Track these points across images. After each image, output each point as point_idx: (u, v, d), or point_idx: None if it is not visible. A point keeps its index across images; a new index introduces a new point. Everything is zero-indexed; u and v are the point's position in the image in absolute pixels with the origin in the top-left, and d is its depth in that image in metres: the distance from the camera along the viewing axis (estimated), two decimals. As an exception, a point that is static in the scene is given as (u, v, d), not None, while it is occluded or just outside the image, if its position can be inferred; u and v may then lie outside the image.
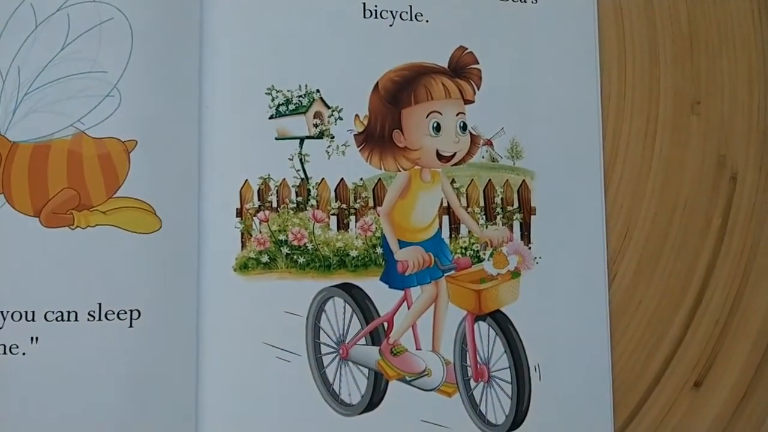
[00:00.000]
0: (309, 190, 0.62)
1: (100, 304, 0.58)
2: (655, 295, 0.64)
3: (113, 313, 0.58)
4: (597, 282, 0.63)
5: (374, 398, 0.61)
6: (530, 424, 0.61)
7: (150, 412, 0.58)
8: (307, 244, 0.61)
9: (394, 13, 0.62)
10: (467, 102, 0.63)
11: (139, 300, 0.59)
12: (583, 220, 0.63)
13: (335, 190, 0.62)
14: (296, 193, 0.62)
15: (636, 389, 0.63)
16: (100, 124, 0.60)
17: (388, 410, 0.60)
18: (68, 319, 0.58)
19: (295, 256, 0.61)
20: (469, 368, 0.62)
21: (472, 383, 0.62)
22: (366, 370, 0.62)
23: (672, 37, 0.66)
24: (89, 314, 0.58)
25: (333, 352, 0.62)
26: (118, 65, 0.60)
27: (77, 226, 0.59)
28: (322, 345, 0.61)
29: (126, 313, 0.59)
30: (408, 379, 0.61)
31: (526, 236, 0.63)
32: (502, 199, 0.63)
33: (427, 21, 0.63)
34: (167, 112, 0.60)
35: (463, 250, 0.63)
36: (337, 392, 0.61)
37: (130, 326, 0.58)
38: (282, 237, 0.61)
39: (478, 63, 0.63)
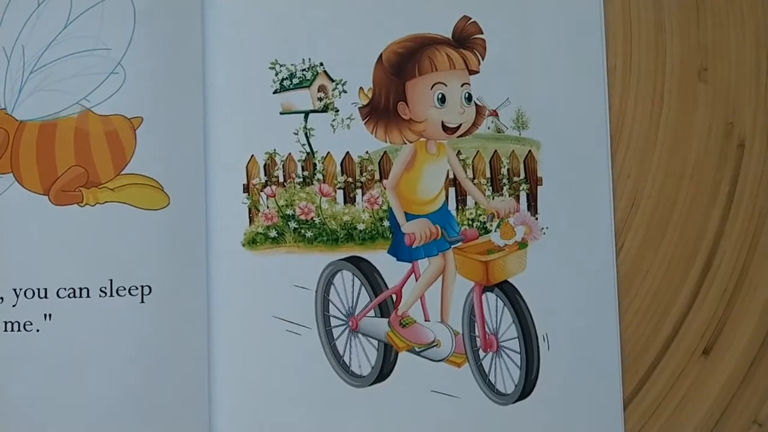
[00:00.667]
0: (315, 165, 0.62)
1: (111, 280, 0.59)
2: (662, 264, 0.64)
3: (124, 289, 0.59)
4: (604, 251, 0.62)
5: (384, 369, 0.61)
6: (539, 393, 0.61)
7: (162, 386, 0.58)
8: (315, 218, 0.62)
9: (397, -17, 0.62)
10: (472, 72, 0.62)
11: (149, 276, 0.59)
12: (589, 190, 0.62)
13: (341, 164, 0.62)
14: (302, 167, 0.62)
15: (644, 358, 0.63)
16: (105, 101, 0.60)
17: (398, 381, 0.61)
18: (80, 296, 0.59)
19: (302, 231, 0.61)
20: (477, 339, 0.62)
21: (481, 353, 0.62)
22: (375, 342, 0.62)
23: (678, 3, 0.65)
24: (101, 290, 0.59)
25: (342, 325, 0.62)
26: (121, 42, 0.60)
27: (86, 204, 0.60)
28: (331, 318, 0.62)
29: (137, 288, 0.59)
30: (417, 349, 0.61)
31: (532, 207, 0.62)
32: (508, 170, 0.63)
33: (430, -9, 0.62)
34: (172, 88, 0.60)
35: (470, 222, 0.62)
36: (348, 364, 0.61)
37: (142, 302, 0.59)
38: (289, 211, 0.61)
39: (482, 33, 0.62)
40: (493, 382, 0.61)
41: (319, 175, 0.62)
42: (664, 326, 0.63)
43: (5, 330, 0.58)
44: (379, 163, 0.62)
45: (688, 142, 0.64)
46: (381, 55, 0.62)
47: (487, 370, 0.61)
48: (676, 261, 0.64)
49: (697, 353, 0.63)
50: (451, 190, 0.62)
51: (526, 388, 0.61)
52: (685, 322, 0.64)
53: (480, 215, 0.62)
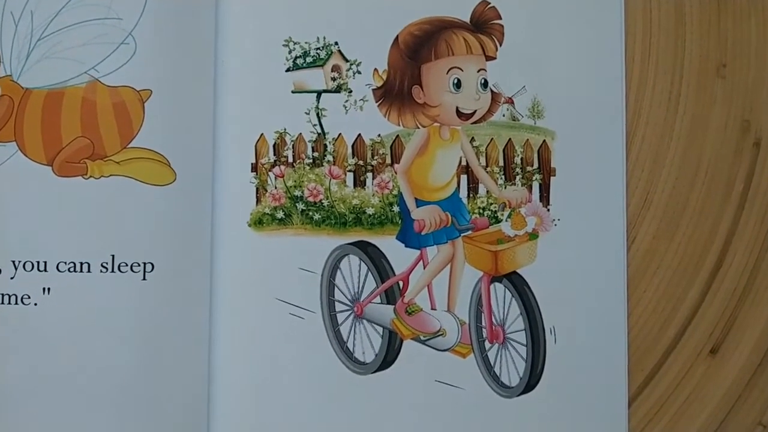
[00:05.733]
0: (325, 146, 0.61)
1: (113, 255, 0.59)
2: (673, 260, 0.63)
3: (126, 265, 0.58)
4: (615, 245, 0.62)
5: (388, 357, 0.61)
6: (544, 386, 0.61)
7: (162, 365, 0.58)
8: (323, 201, 0.61)
9: (416, -36, 0.61)
10: (489, 58, 0.62)
11: (152, 253, 0.59)
12: (603, 183, 0.62)
13: (352, 146, 0.62)
14: (312, 148, 0.61)
15: (652, 354, 0.63)
16: (114, 72, 0.60)
17: (401, 369, 0.61)
18: (81, 271, 0.58)
19: (310, 213, 0.61)
20: (484, 329, 0.61)
21: (487, 344, 0.61)
22: (380, 329, 0.62)
23: (700, -6, 0.65)
24: (102, 266, 0.58)
25: (347, 310, 0.62)
26: (133, 13, 0.60)
27: (90, 176, 0.59)
28: (336, 302, 0.61)
29: (139, 265, 0.59)
30: (422, 338, 0.61)
31: (545, 197, 0.62)
32: (521, 159, 0.62)
33: (449, -27, 0.61)
34: (183, 62, 0.60)
35: (481, 210, 0.62)
36: (351, 350, 0.61)
37: (144, 279, 0.59)
38: (297, 193, 0.61)
39: (500, 18, 0.62)
40: (498, 374, 0.61)
41: (329, 157, 0.61)
42: (673, 323, 0.63)
43: (2, 303, 0.58)
44: (391, 146, 0.62)
45: (704, 138, 0.64)
46: (397, 36, 0.61)
47: (492, 362, 0.61)
48: (687, 258, 0.64)
49: (704, 352, 0.63)
50: (463, 178, 0.62)
51: (531, 381, 0.61)
52: (694, 320, 0.63)
53: (491, 204, 0.62)
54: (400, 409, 0.60)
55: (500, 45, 0.62)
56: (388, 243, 0.61)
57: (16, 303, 0.58)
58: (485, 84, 0.61)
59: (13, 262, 0.58)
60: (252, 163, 0.61)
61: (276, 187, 0.61)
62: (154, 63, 0.59)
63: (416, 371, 0.61)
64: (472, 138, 0.62)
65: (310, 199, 0.61)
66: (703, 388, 0.63)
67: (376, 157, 0.62)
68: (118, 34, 0.59)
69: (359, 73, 0.61)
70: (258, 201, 0.61)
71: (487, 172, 0.62)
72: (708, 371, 0.63)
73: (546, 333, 0.61)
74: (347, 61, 0.62)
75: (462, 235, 0.62)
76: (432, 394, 0.60)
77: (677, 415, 0.62)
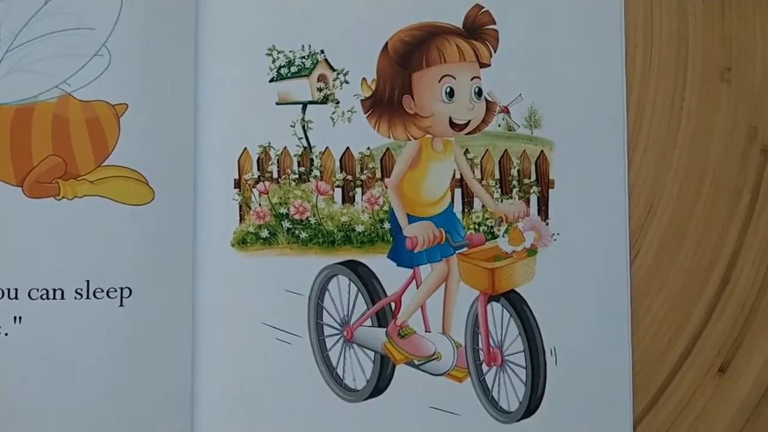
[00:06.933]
0: (312, 160, 0.61)
1: (88, 281, 0.57)
2: (679, 275, 0.63)
3: (102, 291, 0.57)
4: (618, 260, 0.61)
5: (380, 383, 0.60)
6: (545, 410, 0.60)
7: (142, 397, 0.57)
8: (310, 218, 0.60)
9: (405, -33, 0.61)
10: (483, 66, 0.61)
11: (129, 277, 0.57)
12: (604, 195, 0.61)
13: (340, 160, 0.61)
14: (298, 163, 0.61)
15: (657, 374, 0.62)
16: (87, 85, 0.58)
17: (394, 396, 0.60)
18: (54, 298, 0.57)
19: (296, 231, 0.60)
20: (481, 352, 0.61)
21: (484, 368, 0.61)
22: (372, 354, 0.61)
23: (703, -5, 0.64)
24: (76, 292, 0.57)
25: (337, 334, 0.61)
26: (106, 22, 0.58)
27: (63, 197, 0.58)
28: (325, 326, 0.60)
29: (116, 291, 0.57)
30: (416, 362, 0.60)
31: (543, 211, 0.61)
32: (518, 170, 0.62)
33: (440, -23, 0.61)
34: (161, 73, 0.59)
35: (477, 226, 0.61)
36: (341, 376, 0.60)
37: (121, 305, 0.57)
38: (283, 210, 0.60)
39: (495, 23, 0.61)
40: (496, 399, 0.60)
41: (316, 172, 0.61)
42: (679, 341, 0.63)
43: (-30, 332, 0.56)
44: (381, 160, 0.61)
45: (709, 145, 0.64)
46: (386, 43, 0.60)
47: (490, 386, 0.60)
48: (693, 272, 0.63)
49: (712, 371, 0.63)
50: (457, 192, 0.61)
51: (531, 406, 0.60)
52: (701, 338, 0.63)
53: (487, 219, 0.61)
54: (393, 438, 0.60)
55: (495, 51, 0.61)
56: (378, 262, 0.60)
57: (-14, 332, 0.57)
58: (479, 93, 0.61)
59: (-18, 289, 0.57)
60: (235, 179, 0.60)
61: (260, 205, 0.60)
62: (129, 75, 0.58)
63: (410, 397, 0.60)
64: (467, 149, 0.61)
65: (297, 216, 0.60)
66: (712, 408, 0.62)
67: (365, 172, 0.61)
68: (90, 45, 0.58)
69: (347, 82, 0.61)
70: (241, 219, 0.60)
71: (482, 185, 0.62)
72: (716, 391, 0.62)
73: (546, 354, 0.60)
74: (334, 70, 0.61)
75: (457, 252, 0.61)
76: (427, 422, 0.60)
77: (685, 437, 0.62)
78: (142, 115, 0.58)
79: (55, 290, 0.57)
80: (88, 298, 0.57)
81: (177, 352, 0.57)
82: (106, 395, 0.56)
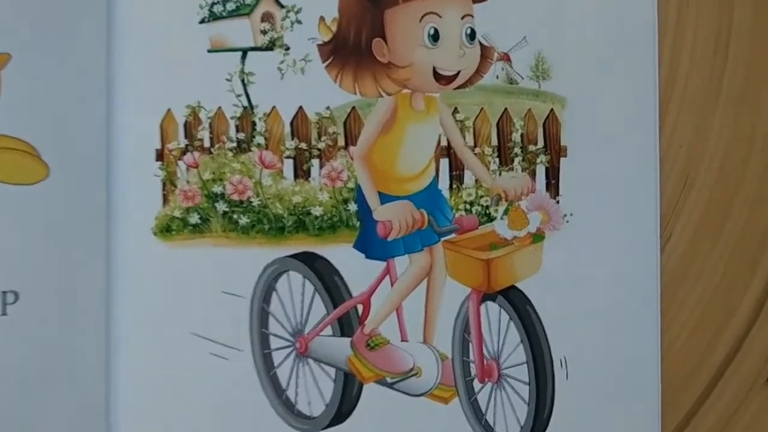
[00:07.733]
0: (254, 123, 0.57)
1: None
2: (719, 264, 0.59)
3: None
4: (645, 247, 0.58)
5: (343, 408, 0.57)
6: None
7: (43, 423, 0.53)
8: (252, 199, 0.57)
9: None
10: (477, 1, 0.57)
11: (15, 278, 0.53)
12: (628, 165, 0.58)
13: (291, 124, 0.57)
14: (237, 127, 0.57)
15: (692, 387, 0.59)
16: None
17: (361, 423, 0.56)
18: None
19: (235, 216, 0.57)
20: (472, 365, 0.57)
21: (477, 385, 0.57)
22: (332, 371, 0.58)
23: None
24: None
25: (287, 347, 0.57)
26: None
27: None
28: (271, 337, 0.57)
29: None
30: (389, 380, 0.57)
31: (553, 186, 0.58)
32: (521, 135, 0.58)
33: None
34: (58, 12, 0.54)
35: (468, 206, 0.58)
36: (293, 401, 0.57)
37: (3, 314, 0.53)
38: (217, 189, 0.57)
39: None
40: (491, 424, 0.57)
41: (259, 139, 0.56)
42: (719, 347, 0.60)
43: None
44: (345, 123, 0.57)
45: (760, 103, 0.60)
46: None
47: (483, 408, 0.57)
48: (737, 260, 0.60)
49: (759, 381, 0.59)
50: (444, 162, 0.58)
51: (535, 430, 0.56)
52: (746, 342, 0.60)
53: (481, 197, 0.58)
54: (360, 478, 0.59)
55: (492, -18, 0.59)
56: (342, 254, 0.57)
57: None
58: (472, 35, 0.56)
59: None
60: (156, 150, 0.56)
61: (188, 182, 0.56)
62: (13, 14, 0.53)
63: (382, 425, 0.57)
64: (456, 109, 0.58)
65: (235, 196, 0.56)
66: (758, 426, 0.59)
67: (324, 138, 0.57)
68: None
69: (299, 22, 0.56)
70: (165, 201, 0.56)
71: (475, 154, 0.58)
72: (764, 405, 0.59)
73: (555, 366, 0.57)
74: (283, 7, 0.57)
75: (442, 239, 0.57)
76: (403, 455, 0.58)
77: (726, 462, 0.61)
78: (33, 68, 0.53)
79: None
80: (-40, 305, 0.54)
81: (85, 372, 0.53)
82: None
